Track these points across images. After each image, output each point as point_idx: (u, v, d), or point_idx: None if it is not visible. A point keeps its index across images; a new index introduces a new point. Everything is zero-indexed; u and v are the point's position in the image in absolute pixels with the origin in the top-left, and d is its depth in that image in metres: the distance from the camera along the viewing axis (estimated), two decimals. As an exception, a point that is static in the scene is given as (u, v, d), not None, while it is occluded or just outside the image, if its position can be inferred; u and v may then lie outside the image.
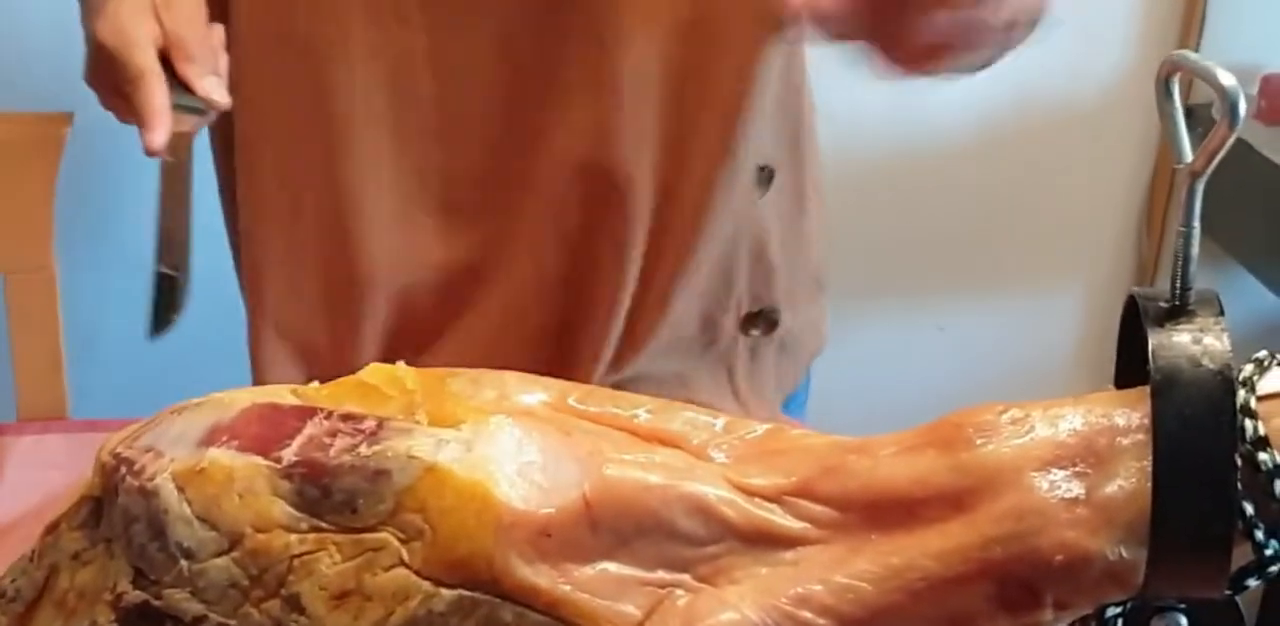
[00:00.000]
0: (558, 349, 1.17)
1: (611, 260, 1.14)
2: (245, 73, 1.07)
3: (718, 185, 1.10)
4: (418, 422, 0.69)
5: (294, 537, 0.66)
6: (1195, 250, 0.63)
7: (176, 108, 0.96)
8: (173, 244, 0.86)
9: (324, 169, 1.12)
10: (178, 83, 0.97)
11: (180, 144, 0.95)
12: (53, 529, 0.73)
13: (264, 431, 0.69)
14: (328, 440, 0.67)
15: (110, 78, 0.98)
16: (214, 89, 0.98)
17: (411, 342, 1.19)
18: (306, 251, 1.16)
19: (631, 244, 1.12)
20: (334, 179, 1.12)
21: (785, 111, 1.17)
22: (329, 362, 1.01)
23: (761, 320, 1.23)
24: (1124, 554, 0.62)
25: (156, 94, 0.95)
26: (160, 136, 0.93)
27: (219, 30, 1.03)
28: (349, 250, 1.15)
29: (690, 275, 1.14)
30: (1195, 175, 0.62)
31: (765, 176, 1.18)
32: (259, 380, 1.20)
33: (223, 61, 1.01)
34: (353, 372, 0.73)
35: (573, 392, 0.73)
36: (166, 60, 0.97)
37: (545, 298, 1.17)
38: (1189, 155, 0.63)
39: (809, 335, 1.30)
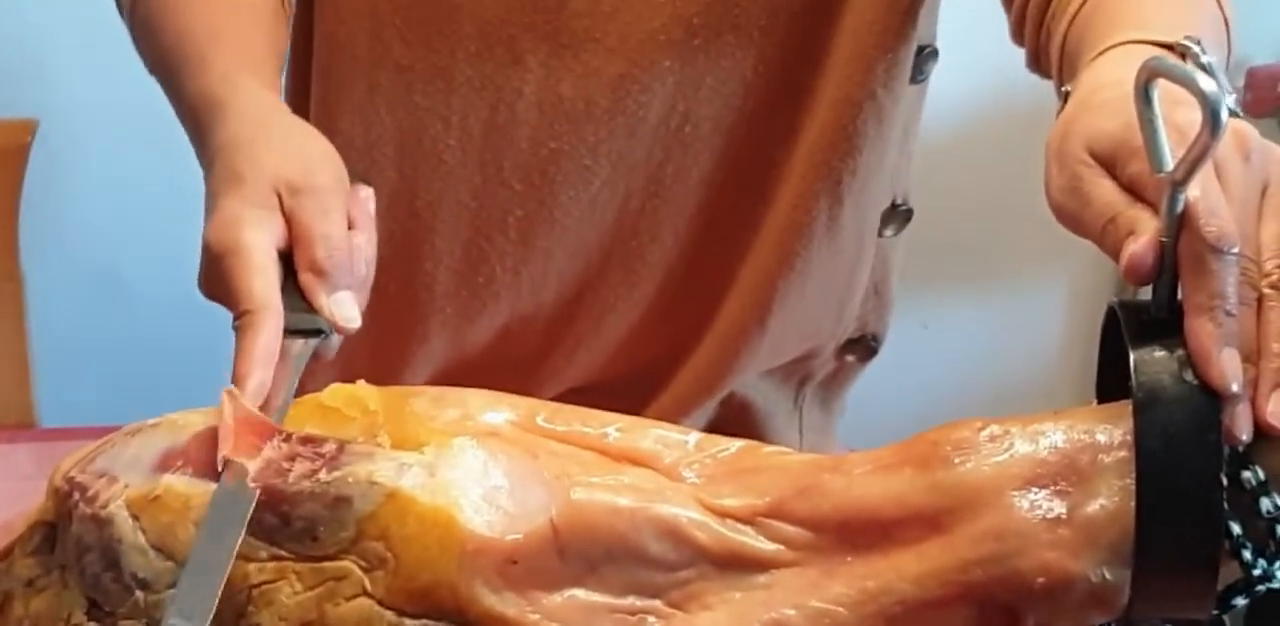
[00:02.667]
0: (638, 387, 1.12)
1: (712, 293, 1.10)
2: (332, 49, 1.00)
3: (807, 219, 1.05)
4: (379, 445, 0.67)
5: (253, 566, 0.64)
6: None
7: (289, 333, 0.74)
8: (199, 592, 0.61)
9: (399, 184, 1.04)
10: (298, 292, 0.76)
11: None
12: (6, 554, 0.71)
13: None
14: (286, 465, 0.65)
15: (224, 297, 0.77)
16: (341, 307, 0.76)
17: (469, 377, 1.10)
18: None
19: (734, 274, 1.09)
20: (409, 195, 1.05)
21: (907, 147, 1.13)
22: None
23: (860, 346, 1.19)
24: (1107, 575, 0.60)
25: (261, 340, 0.72)
26: (248, 402, 0.70)
27: (368, 207, 0.82)
28: (412, 266, 1.07)
29: (791, 306, 1.09)
30: (1177, 185, 0.60)
31: (902, 214, 1.15)
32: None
33: (368, 258, 0.79)
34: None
35: (540, 411, 0.71)
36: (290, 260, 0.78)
37: (639, 337, 1.12)
38: (1169, 164, 0.61)
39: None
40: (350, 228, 0.80)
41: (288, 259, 0.77)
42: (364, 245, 0.79)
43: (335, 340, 0.78)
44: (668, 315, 1.10)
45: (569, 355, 1.12)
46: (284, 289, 0.76)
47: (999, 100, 2.09)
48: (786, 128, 1.03)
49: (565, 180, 1.03)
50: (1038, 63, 0.93)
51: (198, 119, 0.86)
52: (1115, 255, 0.64)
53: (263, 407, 0.70)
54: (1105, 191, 0.66)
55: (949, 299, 2.23)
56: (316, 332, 0.76)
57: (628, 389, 1.11)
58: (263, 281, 0.75)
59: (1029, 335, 2.26)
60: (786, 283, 1.07)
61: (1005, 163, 2.10)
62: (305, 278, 0.77)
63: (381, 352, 1.11)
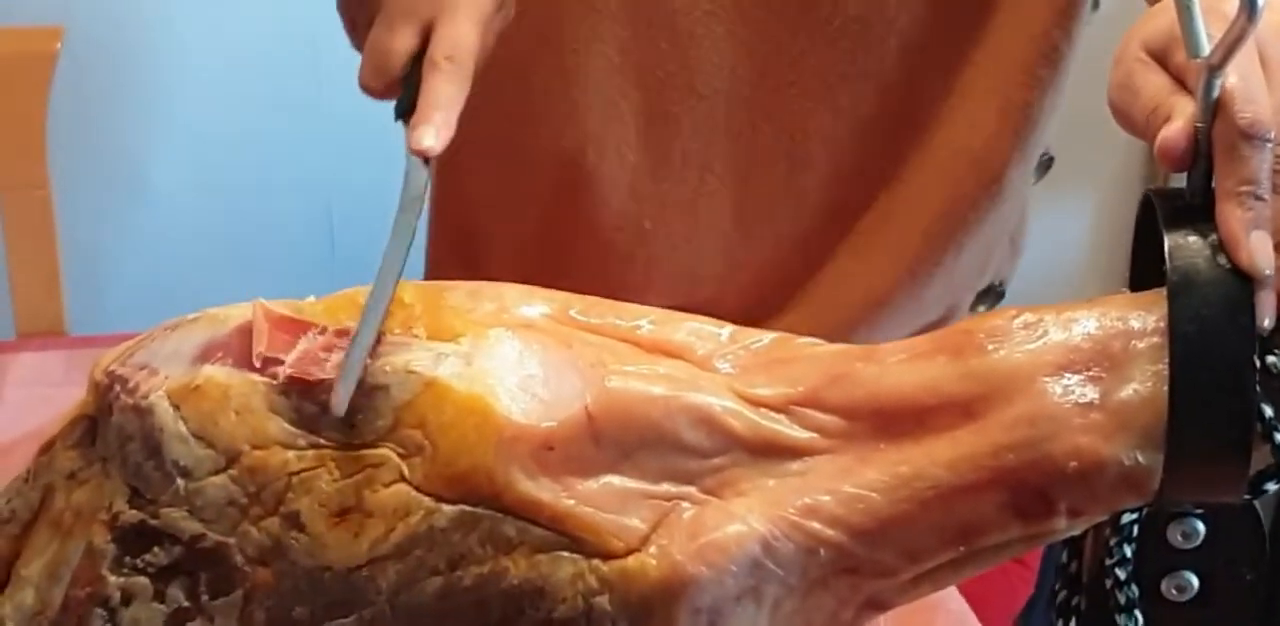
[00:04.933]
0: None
1: (876, 241, 1.08)
2: None
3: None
4: (416, 337, 0.67)
5: (292, 454, 0.65)
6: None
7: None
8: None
9: (559, 106, 1.04)
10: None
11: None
12: (47, 448, 0.72)
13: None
14: (323, 355, 0.66)
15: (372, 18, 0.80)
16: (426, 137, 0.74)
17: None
18: (524, 190, 1.08)
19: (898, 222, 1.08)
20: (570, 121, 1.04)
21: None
22: None
23: (991, 294, 1.18)
24: (1140, 459, 0.60)
25: (454, 85, 0.76)
26: (443, 134, 0.74)
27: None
28: (575, 194, 1.07)
29: (949, 262, 1.09)
30: (1213, 69, 0.60)
31: (1045, 162, 1.14)
32: None
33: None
34: None
35: (575, 304, 0.72)
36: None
37: (788, 281, 1.10)
38: (1206, 48, 0.61)
39: None
40: None
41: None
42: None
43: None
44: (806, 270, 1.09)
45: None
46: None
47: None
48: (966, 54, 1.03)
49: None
50: None
51: None
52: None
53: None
54: (1153, 83, 0.65)
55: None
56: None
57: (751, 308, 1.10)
58: (478, 39, 0.78)
59: (1054, 240, 2.26)
60: (965, 229, 1.06)
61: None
62: (434, 66, 0.77)
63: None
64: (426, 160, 0.73)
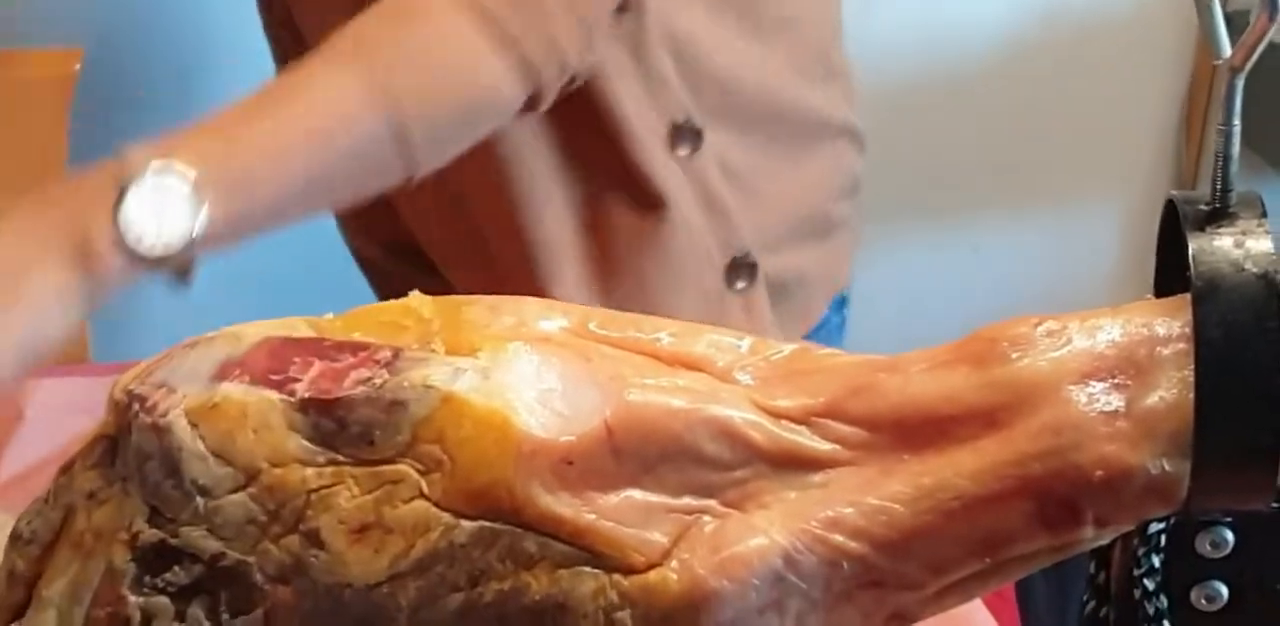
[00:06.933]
0: None
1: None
2: None
3: None
4: (433, 351, 0.67)
5: (311, 472, 0.64)
6: (1236, 149, 0.61)
7: None
8: None
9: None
10: None
11: None
12: (67, 469, 0.72)
13: (276, 365, 0.67)
14: (339, 370, 0.66)
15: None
16: None
17: None
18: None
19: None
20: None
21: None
22: None
23: (743, 269, 1.22)
24: (1166, 467, 0.60)
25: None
26: None
27: None
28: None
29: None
30: (1234, 70, 0.59)
31: (689, 133, 1.18)
32: None
33: None
34: None
35: (594, 318, 0.71)
36: None
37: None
38: (1228, 50, 0.60)
39: (817, 276, 1.27)
40: None
41: None
42: None
43: None
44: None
45: None
46: None
47: (1043, 16, 2.07)
48: None
49: None
50: None
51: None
52: None
53: None
54: None
55: (999, 222, 2.22)
56: None
57: None
58: None
59: (1081, 257, 2.25)
60: None
61: (1052, 81, 2.09)
62: None
63: None
64: None
